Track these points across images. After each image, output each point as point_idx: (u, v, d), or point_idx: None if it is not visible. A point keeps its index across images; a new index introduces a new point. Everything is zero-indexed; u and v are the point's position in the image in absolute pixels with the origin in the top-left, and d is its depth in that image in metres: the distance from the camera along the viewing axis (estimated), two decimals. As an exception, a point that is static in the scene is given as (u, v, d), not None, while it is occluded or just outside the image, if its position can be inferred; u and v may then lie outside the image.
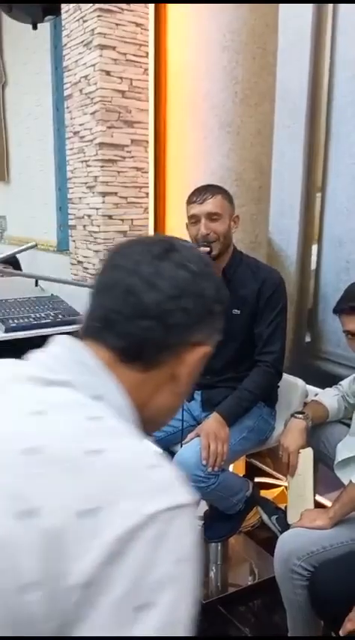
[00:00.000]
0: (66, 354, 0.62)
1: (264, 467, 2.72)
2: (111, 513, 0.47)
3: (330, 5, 2.11)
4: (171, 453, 1.83)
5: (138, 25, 2.88)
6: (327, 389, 1.92)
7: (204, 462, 1.72)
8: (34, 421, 0.53)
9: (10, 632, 0.45)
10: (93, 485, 0.49)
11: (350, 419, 1.81)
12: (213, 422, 1.80)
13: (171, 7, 3.01)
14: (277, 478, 2.57)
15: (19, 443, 0.51)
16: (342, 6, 2.08)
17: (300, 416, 1.75)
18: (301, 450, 1.72)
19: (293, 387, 2.11)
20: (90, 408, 0.57)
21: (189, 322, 0.65)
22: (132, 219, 3.13)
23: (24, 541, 0.46)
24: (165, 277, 0.64)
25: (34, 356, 0.64)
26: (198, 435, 1.79)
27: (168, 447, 1.92)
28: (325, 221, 2.26)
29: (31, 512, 0.46)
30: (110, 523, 0.47)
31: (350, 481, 1.47)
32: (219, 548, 2.07)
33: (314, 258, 2.36)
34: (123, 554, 0.46)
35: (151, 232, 3.33)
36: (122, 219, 3.08)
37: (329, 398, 1.86)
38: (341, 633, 1.21)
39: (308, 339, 2.44)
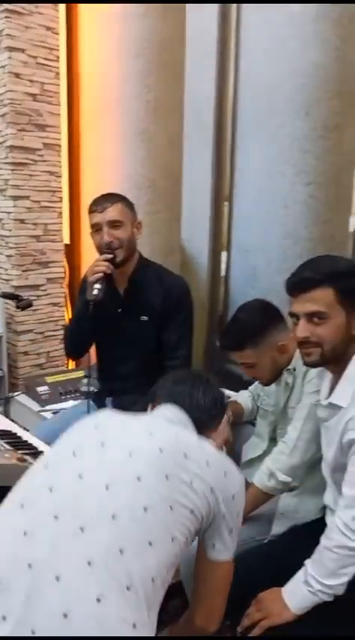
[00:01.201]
0: (176, 414, 1.14)
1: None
2: (230, 476, 1.05)
3: (234, 21, 2.20)
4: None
5: (48, 28, 2.85)
6: (242, 391, 1.99)
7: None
8: (185, 432, 1.10)
9: (191, 505, 0.97)
10: (223, 465, 1.06)
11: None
12: None
13: (82, 12, 3.00)
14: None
15: (189, 440, 1.07)
16: (245, 22, 2.16)
17: None
18: None
19: (202, 390, 2.15)
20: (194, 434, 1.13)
21: (217, 414, 1.20)
22: (45, 224, 3.08)
23: (191, 475, 0.99)
24: (208, 392, 1.20)
25: (161, 412, 1.15)
26: None
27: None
28: (233, 229, 2.34)
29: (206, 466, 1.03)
30: (232, 482, 1.06)
31: (251, 481, 1.53)
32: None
33: (224, 265, 2.43)
34: (236, 496, 1.06)
35: (66, 237, 3.29)
36: (35, 224, 3.03)
37: (244, 398, 1.94)
38: (238, 629, 1.25)
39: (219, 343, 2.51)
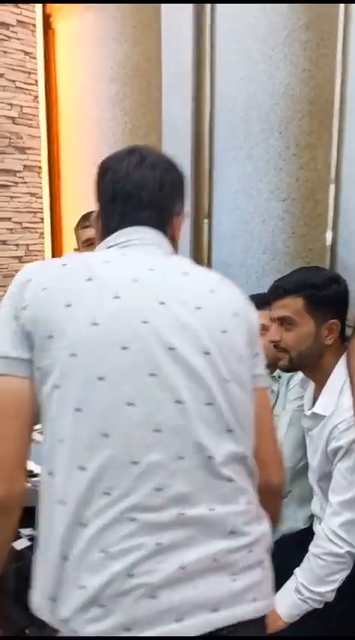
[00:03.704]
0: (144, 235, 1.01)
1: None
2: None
3: (208, 43, 2.26)
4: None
5: (26, 53, 2.90)
6: None
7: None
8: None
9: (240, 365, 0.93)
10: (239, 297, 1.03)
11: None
12: None
13: (59, 37, 3.06)
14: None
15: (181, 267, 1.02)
16: (218, 46, 2.23)
17: None
18: None
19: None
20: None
21: (179, 195, 1.10)
22: (27, 245, 3.10)
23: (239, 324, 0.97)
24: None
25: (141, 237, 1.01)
26: None
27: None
28: (213, 246, 2.39)
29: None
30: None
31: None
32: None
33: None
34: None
35: (49, 257, 3.31)
36: (17, 245, 3.05)
37: None
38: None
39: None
